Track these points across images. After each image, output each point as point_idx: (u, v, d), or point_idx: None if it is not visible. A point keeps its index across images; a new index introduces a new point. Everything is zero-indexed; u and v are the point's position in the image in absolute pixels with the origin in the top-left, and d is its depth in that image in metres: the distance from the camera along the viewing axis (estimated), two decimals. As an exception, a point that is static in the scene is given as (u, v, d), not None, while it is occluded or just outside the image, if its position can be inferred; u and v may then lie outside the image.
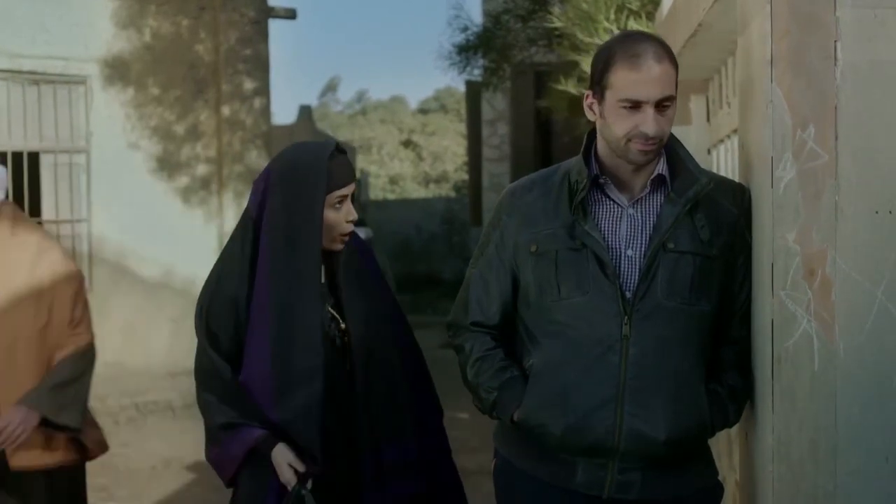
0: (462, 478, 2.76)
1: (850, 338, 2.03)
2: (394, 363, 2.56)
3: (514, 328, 2.39)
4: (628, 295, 2.20)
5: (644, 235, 2.24)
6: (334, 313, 2.52)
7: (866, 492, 2.03)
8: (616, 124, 2.20)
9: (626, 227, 2.25)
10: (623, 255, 2.23)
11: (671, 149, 2.30)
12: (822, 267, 2.04)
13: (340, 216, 2.48)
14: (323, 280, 2.55)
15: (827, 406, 2.04)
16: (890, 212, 2.02)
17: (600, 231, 2.24)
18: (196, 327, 2.52)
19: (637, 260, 2.22)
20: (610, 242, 2.24)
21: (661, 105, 2.17)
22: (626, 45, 2.20)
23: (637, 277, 2.21)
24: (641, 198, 2.27)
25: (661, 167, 2.27)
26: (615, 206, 2.27)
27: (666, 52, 2.19)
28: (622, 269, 2.22)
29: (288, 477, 2.37)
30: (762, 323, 2.19)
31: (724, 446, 3.27)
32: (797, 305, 2.07)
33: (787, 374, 2.09)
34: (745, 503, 2.48)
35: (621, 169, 2.26)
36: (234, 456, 2.44)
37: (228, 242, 2.56)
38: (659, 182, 2.27)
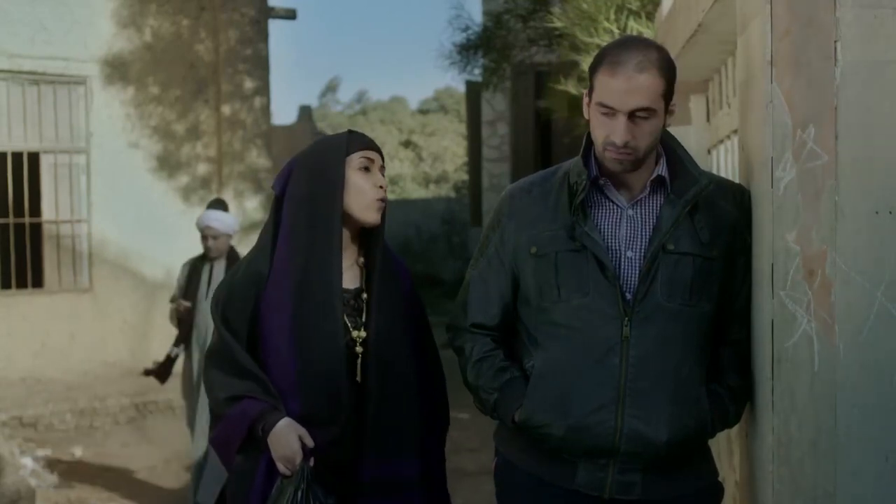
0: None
1: (850, 338, 2.03)
2: (410, 379, 2.52)
3: (513, 329, 2.39)
4: (628, 296, 2.20)
5: (644, 237, 2.24)
6: (348, 322, 2.49)
7: (866, 492, 2.03)
8: (596, 129, 2.22)
9: (625, 228, 2.25)
10: (623, 256, 2.23)
11: (671, 150, 2.29)
12: (822, 267, 2.04)
13: (369, 181, 2.47)
14: (354, 286, 2.53)
15: (827, 406, 2.04)
16: (890, 212, 2.02)
17: (600, 232, 2.24)
18: (212, 312, 2.53)
19: (637, 261, 2.22)
20: (610, 244, 2.23)
21: (636, 116, 2.15)
22: (615, 49, 2.19)
23: (637, 279, 2.20)
24: (641, 199, 2.27)
25: (661, 169, 2.27)
26: (615, 207, 2.27)
27: (654, 63, 2.16)
28: (622, 270, 2.22)
29: (295, 448, 2.34)
30: (762, 323, 2.19)
31: (725, 446, 3.27)
32: (797, 306, 2.07)
33: (787, 374, 2.09)
34: (745, 503, 2.48)
35: (631, 173, 2.25)
36: (238, 429, 2.40)
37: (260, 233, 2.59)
38: (658, 183, 2.27)
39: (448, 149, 27.56)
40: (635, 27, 5.59)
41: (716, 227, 2.24)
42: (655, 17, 5.38)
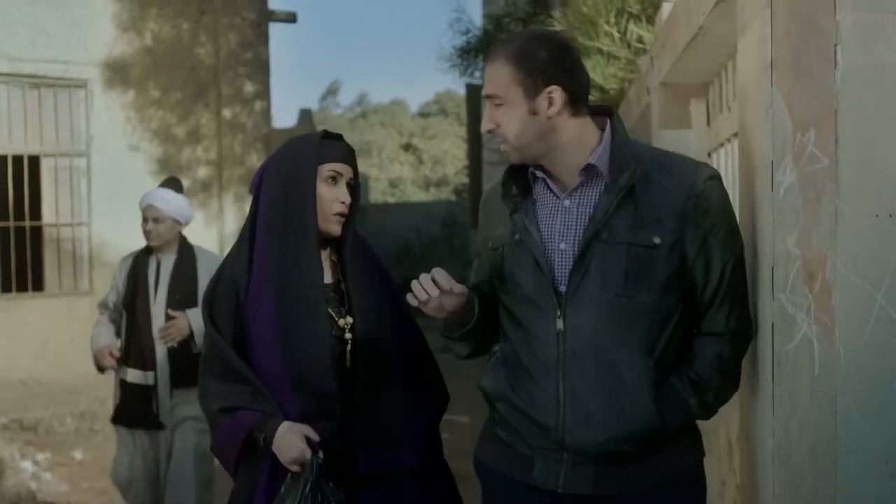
0: (459, 482, 2.77)
1: (851, 342, 2.02)
2: (398, 368, 2.55)
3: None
4: (561, 289, 2.18)
5: (579, 227, 2.21)
6: (333, 314, 2.52)
7: (866, 495, 2.03)
8: None
9: (560, 219, 2.24)
10: (556, 248, 2.22)
11: (616, 135, 2.26)
12: (823, 271, 2.03)
13: (332, 193, 2.51)
14: (330, 280, 2.56)
15: (827, 410, 2.04)
16: (890, 215, 2.01)
17: (537, 225, 2.25)
18: (202, 315, 2.55)
19: (570, 253, 2.20)
20: (545, 235, 2.24)
21: (494, 104, 2.22)
22: None
23: (570, 270, 2.19)
24: (578, 189, 2.25)
25: (594, 157, 2.22)
26: (554, 198, 2.27)
27: (504, 52, 2.21)
28: (555, 262, 2.21)
29: (301, 447, 2.36)
30: (762, 327, 2.19)
31: (725, 448, 3.27)
32: (797, 309, 2.06)
33: (787, 377, 2.09)
34: (745, 507, 2.47)
35: (552, 163, 2.25)
36: (234, 440, 2.44)
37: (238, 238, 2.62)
38: (594, 172, 2.23)
39: (448, 152, 27.59)
40: (635, 30, 5.59)
41: (659, 214, 2.16)
42: (656, 20, 5.38)
